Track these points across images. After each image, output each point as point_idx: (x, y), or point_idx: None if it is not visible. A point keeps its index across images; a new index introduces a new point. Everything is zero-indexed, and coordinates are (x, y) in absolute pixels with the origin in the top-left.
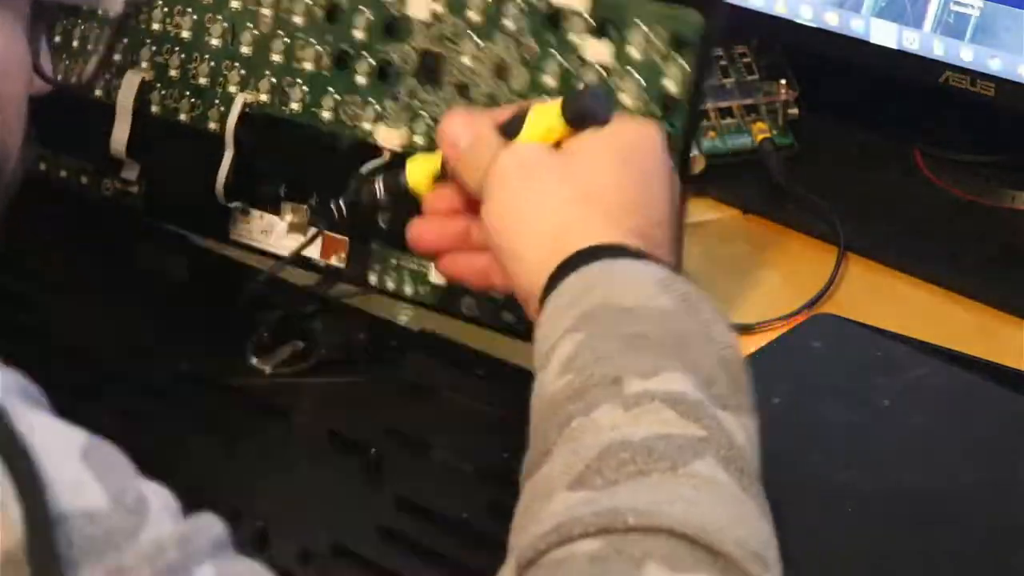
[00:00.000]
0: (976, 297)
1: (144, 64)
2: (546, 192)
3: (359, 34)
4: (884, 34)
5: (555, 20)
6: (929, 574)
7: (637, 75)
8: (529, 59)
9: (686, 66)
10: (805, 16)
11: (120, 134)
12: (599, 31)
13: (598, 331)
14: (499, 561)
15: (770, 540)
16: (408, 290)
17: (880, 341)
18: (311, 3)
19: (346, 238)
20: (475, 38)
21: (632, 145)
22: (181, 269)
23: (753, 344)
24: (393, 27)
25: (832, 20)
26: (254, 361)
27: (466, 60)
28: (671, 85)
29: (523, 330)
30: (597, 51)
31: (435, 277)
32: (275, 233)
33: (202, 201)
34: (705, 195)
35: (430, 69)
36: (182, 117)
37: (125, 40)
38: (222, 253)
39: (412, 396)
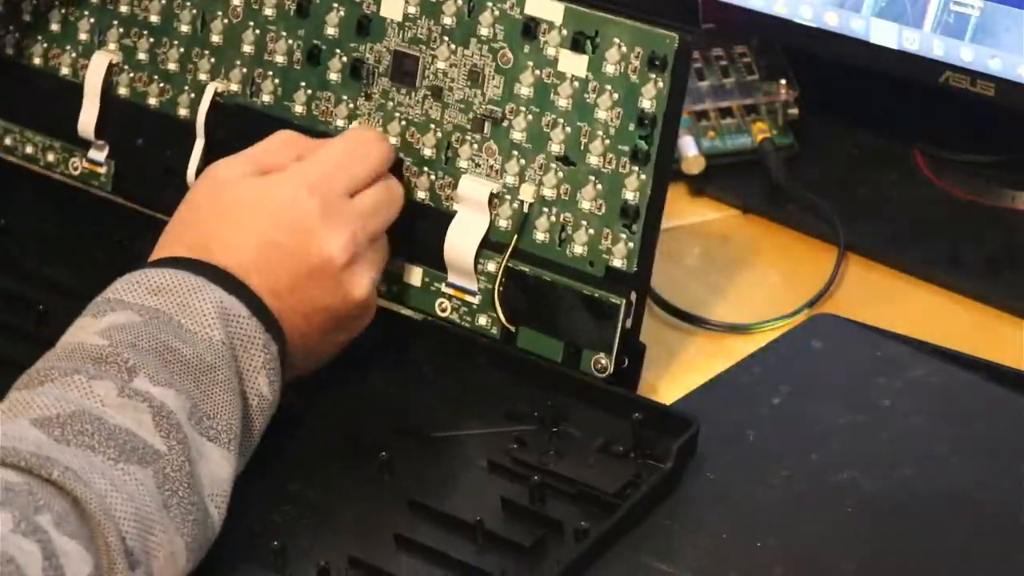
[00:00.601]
0: (976, 297)
1: (112, 46)
2: (186, 204)
3: (331, 30)
4: (884, 34)
5: (531, 31)
6: (929, 574)
7: (612, 90)
8: (504, 67)
9: (661, 84)
10: (805, 16)
11: (88, 115)
12: (574, 45)
13: (152, 327)
14: (514, 562)
15: (167, 549)
16: (382, 288)
17: (880, 341)
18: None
19: None
20: (450, 43)
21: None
22: None
23: (753, 344)
24: (365, 26)
25: (832, 20)
26: None
27: (441, 64)
28: (647, 103)
29: (498, 334)
30: (572, 64)
31: (410, 277)
32: None
33: (170, 187)
34: (705, 195)
35: (404, 71)
36: (151, 101)
37: (92, 19)
38: None
39: (418, 388)
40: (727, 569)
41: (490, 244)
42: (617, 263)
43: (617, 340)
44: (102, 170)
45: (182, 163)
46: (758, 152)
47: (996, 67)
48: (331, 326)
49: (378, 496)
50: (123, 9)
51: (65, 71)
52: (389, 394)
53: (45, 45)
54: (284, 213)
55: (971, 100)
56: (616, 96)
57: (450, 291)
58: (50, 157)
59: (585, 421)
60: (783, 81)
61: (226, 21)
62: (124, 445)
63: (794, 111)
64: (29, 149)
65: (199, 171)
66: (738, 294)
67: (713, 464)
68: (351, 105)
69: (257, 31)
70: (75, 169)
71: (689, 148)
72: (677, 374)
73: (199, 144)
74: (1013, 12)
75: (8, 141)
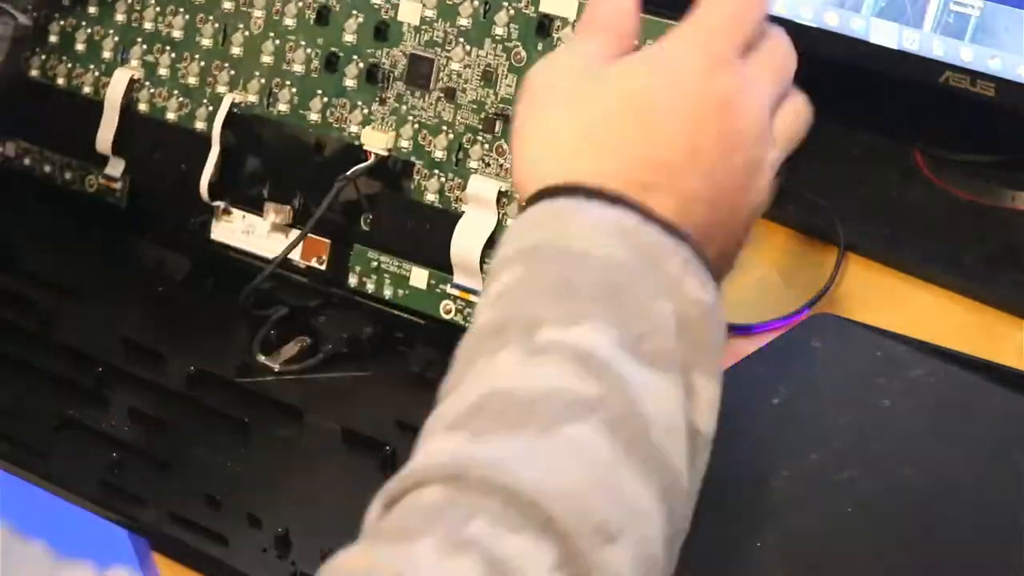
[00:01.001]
0: (976, 297)
1: (134, 62)
2: (553, 118)
3: (349, 37)
4: (884, 34)
5: (545, 28)
6: (929, 574)
7: None
8: (518, 66)
9: None
10: (805, 16)
11: (107, 131)
12: None
13: (535, 269)
14: None
15: (634, 512)
16: (387, 293)
17: (880, 341)
18: (302, 5)
19: (328, 240)
20: (465, 44)
21: (705, 97)
22: (181, 267)
23: (753, 344)
24: (383, 31)
25: (832, 20)
26: (261, 358)
27: (455, 66)
28: None
29: None
30: None
31: (415, 280)
32: (256, 233)
33: (185, 200)
34: None
35: (419, 73)
36: (170, 116)
37: (116, 38)
38: (221, 252)
39: (420, 387)
40: (727, 569)
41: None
42: None
43: None
44: (117, 185)
45: (197, 174)
46: None
47: (996, 67)
48: (741, 196)
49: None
50: (147, 26)
51: (87, 90)
52: (391, 393)
53: (70, 65)
54: (674, 91)
55: (971, 100)
56: None
57: (455, 292)
58: (67, 175)
59: None
60: None
61: (247, 33)
62: (549, 410)
63: None
64: (48, 168)
65: (212, 182)
66: (738, 294)
67: (713, 464)
68: (365, 111)
69: (277, 41)
70: (91, 186)
71: None
72: None
73: (214, 153)
74: (1013, 12)
75: (27, 161)
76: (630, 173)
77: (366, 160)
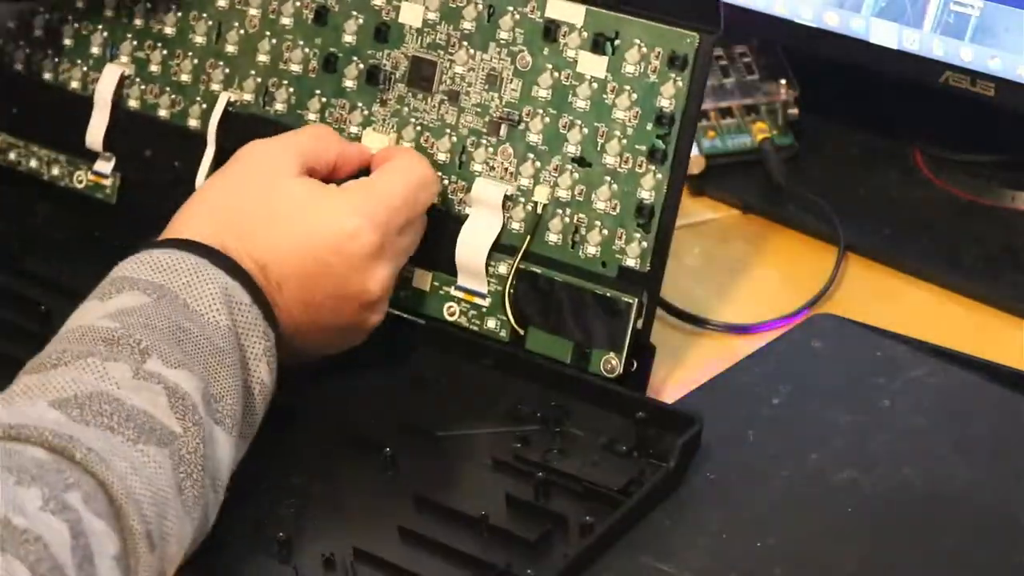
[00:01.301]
0: (976, 297)
1: (124, 58)
2: (218, 183)
3: (348, 38)
4: (884, 34)
5: (551, 33)
6: (929, 574)
7: (631, 90)
8: (523, 70)
9: (680, 83)
10: (805, 16)
11: (97, 127)
12: (594, 46)
13: (160, 307)
14: (519, 555)
15: (178, 533)
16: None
17: (880, 341)
18: (299, 5)
19: None
20: (468, 47)
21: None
22: None
23: (753, 344)
24: (383, 32)
25: (832, 20)
26: None
27: (459, 69)
28: (665, 101)
29: (507, 337)
30: (591, 65)
31: (418, 282)
32: None
33: (178, 197)
34: (705, 195)
35: (421, 76)
36: (162, 113)
37: (105, 33)
38: None
39: (421, 388)
40: (727, 569)
41: (502, 247)
42: (630, 263)
43: (628, 341)
44: (107, 182)
45: (190, 173)
46: (758, 152)
47: (996, 67)
48: (334, 335)
49: (382, 491)
50: (137, 22)
51: (75, 85)
52: (393, 394)
53: (56, 60)
54: (342, 242)
55: (971, 100)
56: (635, 96)
57: (460, 294)
58: (55, 171)
59: (588, 421)
60: (783, 81)
61: (242, 32)
62: (142, 426)
63: (794, 111)
64: (33, 163)
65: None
66: (738, 294)
67: (713, 464)
68: (365, 112)
69: (273, 40)
70: (79, 182)
71: None
72: (678, 374)
73: (209, 152)
74: (1013, 12)
75: (12, 156)
76: (262, 262)
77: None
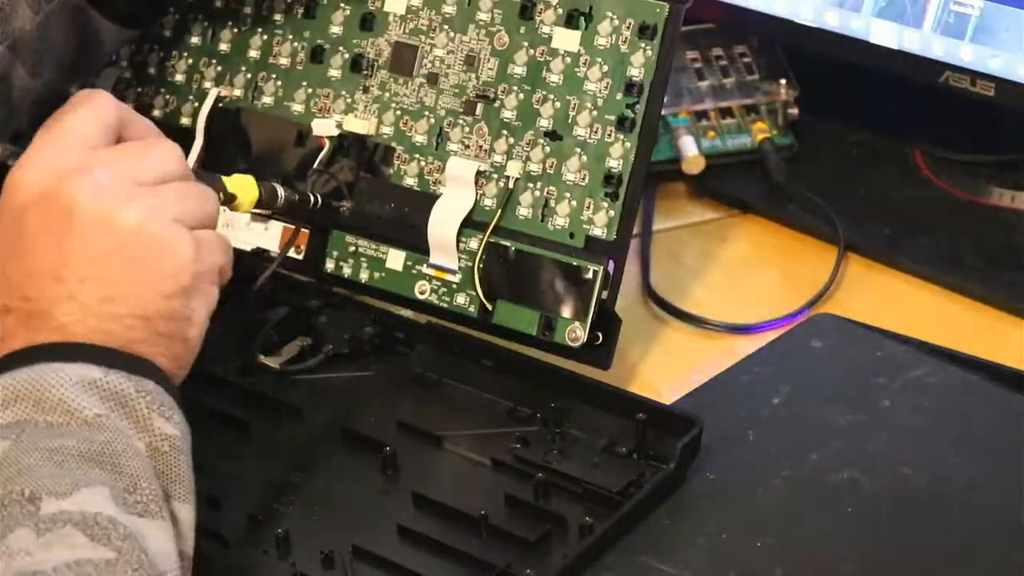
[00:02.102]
0: (976, 297)
1: (123, 63)
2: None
3: (335, 29)
4: (884, 34)
5: (527, 11)
6: (929, 574)
7: (603, 62)
8: (500, 49)
9: (650, 52)
10: (805, 16)
11: None
12: (568, 21)
13: (22, 444)
14: (519, 555)
15: None
16: (364, 277)
17: (880, 341)
18: (291, 0)
19: (307, 230)
20: (449, 31)
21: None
22: None
23: (753, 344)
24: (369, 21)
25: (832, 20)
26: (262, 359)
27: (439, 52)
28: (635, 71)
29: (475, 312)
30: (565, 40)
31: (392, 262)
32: (235, 227)
33: None
34: (705, 195)
35: (402, 61)
36: (156, 113)
37: None
38: None
39: (421, 388)
40: (727, 569)
41: (474, 223)
42: (597, 231)
43: (592, 309)
44: None
45: None
46: (758, 152)
47: (996, 67)
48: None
49: (382, 489)
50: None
51: (72, 89)
52: (393, 394)
53: None
54: (155, 260)
55: (971, 100)
56: (606, 67)
57: (431, 272)
58: None
59: (588, 422)
60: (783, 81)
61: (235, 30)
62: None
63: (794, 111)
64: None
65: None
66: (738, 294)
67: (713, 464)
68: (348, 100)
69: (264, 36)
70: None
71: (689, 148)
72: (677, 374)
73: (197, 144)
74: (1013, 12)
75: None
76: (84, 316)
77: (322, 149)
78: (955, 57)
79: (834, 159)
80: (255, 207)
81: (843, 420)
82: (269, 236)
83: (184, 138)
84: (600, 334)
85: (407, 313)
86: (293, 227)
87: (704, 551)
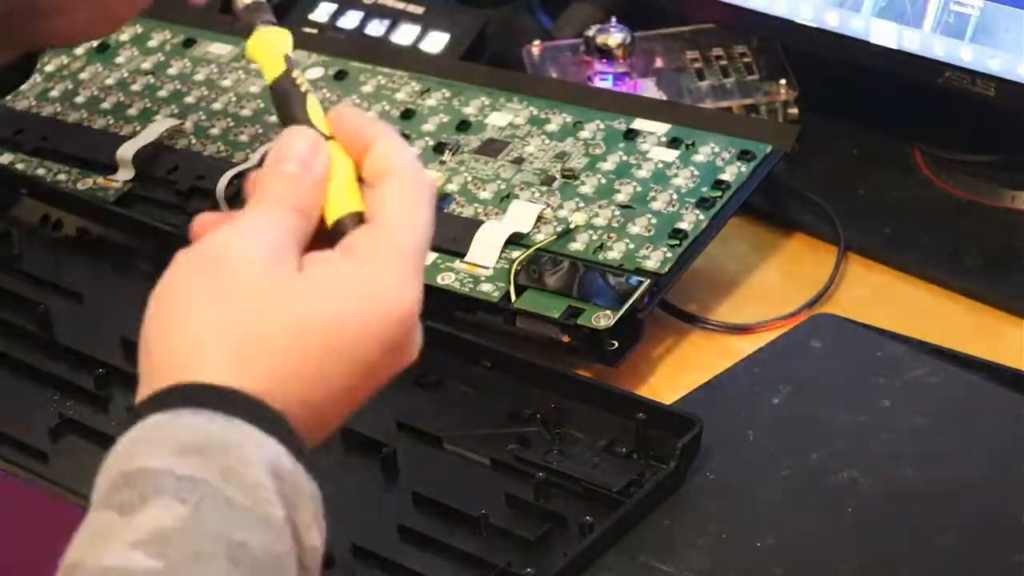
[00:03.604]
0: (976, 297)
1: (188, 124)
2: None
3: (428, 127)
4: (884, 34)
5: (631, 135)
6: (929, 574)
7: (695, 169)
8: (594, 154)
9: (744, 169)
10: (805, 16)
11: (131, 147)
12: (671, 143)
13: (205, 519)
14: (519, 555)
15: None
16: None
17: (880, 341)
18: (387, 107)
19: None
20: (546, 139)
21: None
22: None
23: (753, 344)
24: (467, 125)
25: (832, 20)
26: None
27: (530, 149)
28: (726, 175)
29: (497, 297)
30: (663, 154)
31: None
32: None
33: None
34: None
35: (490, 148)
36: (206, 152)
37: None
38: None
39: (420, 389)
40: (727, 569)
41: (522, 245)
42: (650, 265)
43: (626, 307)
44: (116, 185)
45: (205, 180)
46: None
47: (996, 67)
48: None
49: (382, 489)
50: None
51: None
52: (393, 394)
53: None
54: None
55: (971, 100)
56: (697, 173)
57: (463, 266)
58: (60, 176)
59: (588, 422)
60: (783, 81)
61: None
62: None
63: (794, 111)
64: (40, 171)
65: (229, 183)
66: (738, 294)
67: (713, 464)
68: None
69: None
70: (83, 185)
71: None
72: (677, 374)
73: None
74: (1013, 12)
75: (20, 166)
76: (288, 394)
77: None
78: (955, 57)
79: (834, 159)
80: None
81: (843, 420)
82: None
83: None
84: (617, 343)
85: None
86: None
87: (704, 551)
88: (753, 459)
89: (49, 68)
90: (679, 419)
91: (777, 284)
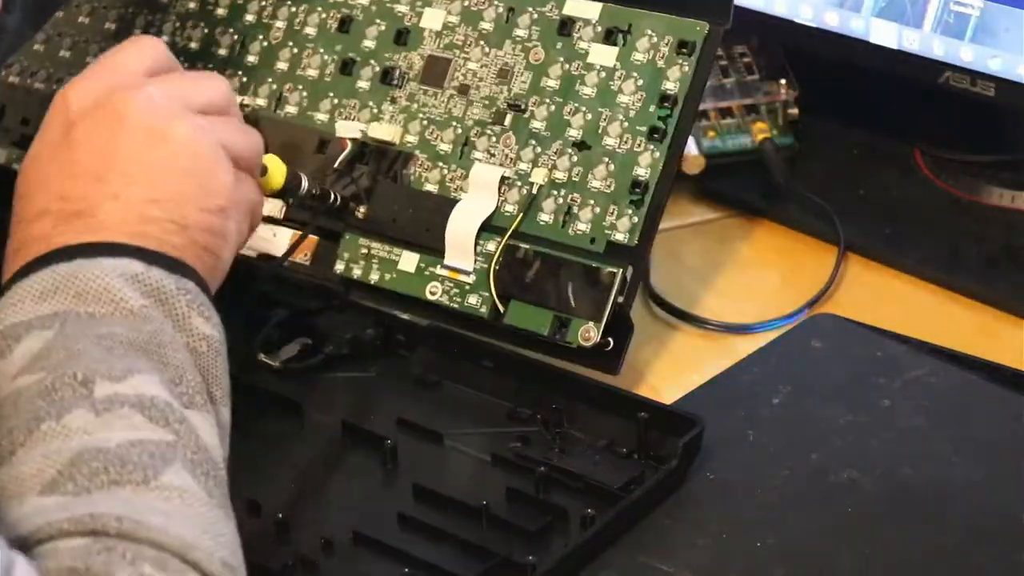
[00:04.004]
0: (976, 297)
1: None
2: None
3: (368, 43)
4: (884, 34)
5: (565, 28)
6: (929, 574)
7: (638, 76)
8: (534, 63)
9: (687, 68)
10: (805, 16)
11: None
12: (606, 37)
13: (69, 331)
14: (520, 545)
15: (235, 544)
16: (374, 278)
17: (880, 341)
18: (325, 16)
19: (315, 238)
20: (484, 46)
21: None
22: None
23: (753, 344)
24: (403, 36)
25: (832, 20)
26: (262, 358)
27: (472, 65)
28: (670, 84)
29: (487, 313)
30: (602, 55)
31: (405, 264)
32: None
33: None
34: (705, 195)
35: (434, 73)
36: None
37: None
38: None
39: (422, 389)
40: (727, 569)
41: (493, 228)
42: (619, 237)
43: (608, 312)
44: None
45: None
46: (758, 152)
47: (996, 67)
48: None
49: (383, 480)
50: (164, 39)
51: None
52: (391, 395)
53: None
54: (198, 175)
55: (971, 100)
56: (641, 81)
57: (445, 272)
58: None
59: (589, 422)
60: (783, 81)
61: (265, 43)
62: (140, 460)
63: (794, 111)
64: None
65: None
66: (738, 294)
67: (713, 464)
68: (375, 110)
69: (295, 50)
70: None
71: (689, 148)
72: (677, 374)
73: None
74: (1013, 12)
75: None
76: (126, 216)
77: (344, 150)
78: (955, 57)
79: (834, 159)
80: (279, 190)
81: (843, 420)
82: (276, 243)
83: None
84: (612, 339)
85: (406, 315)
86: (300, 232)
87: (704, 551)
88: (753, 459)
89: (65, 54)
90: (680, 419)
91: (777, 284)
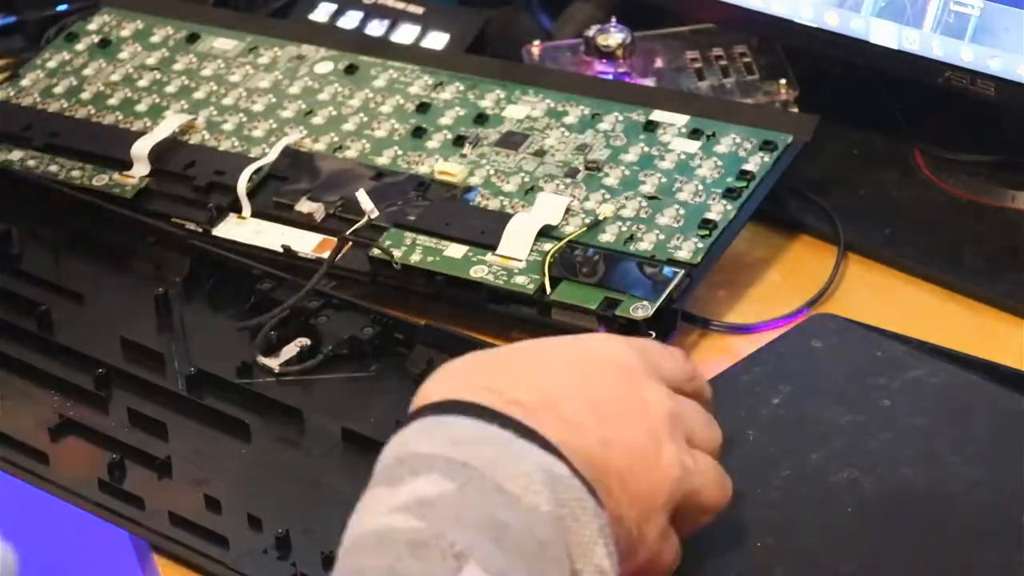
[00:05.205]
0: (976, 297)
1: (200, 120)
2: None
3: (445, 120)
4: (884, 34)
5: (651, 126)
6: (929, 574)
7: (718, 160)
8: (616, 145)
9: (767, 159)
10: (805, 16)
11: (147, 143)
12: (691, 134)
13: (465, 493)
14: None
15: None
16: (415, 259)
17: (880, 341)
18: (401, 101)
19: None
20: (565, 131)
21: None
22: (181, 267)
23: (753, 344)
24: (484, 119)
25: (832, 20)
26: (261, 359)
27: (550, 141)
28: (750, 165)
29: (532, 290)
30: (684, 146)
31: (451, 252)
32: (267, 235)
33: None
34: None
35: (510, 141)
36: (223, 146)
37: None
38: (221, 252)
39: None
40: (727, 569)
41: (552, 237)
42: (682, 255)
43: (663, 298)
44: (132, 181)
45: (225, 177)
46: None
47: (996, 67)
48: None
49: None
50: (227, 102)
51: (137, 127)
52: (391, 395)
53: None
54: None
55: (971, 100)
56: (720, 164)
57: (495, 259)
58: (74, 173)
59: None
60: (783, 81)
61: (334, 112)
62: None
63: (794, 111)
64: (53, 168)
65: (250, 179)
66: (738, 294)
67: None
68: (441, 160)
69: (365, 119)
70: (99, 181)
71: None
72: None
73: (259, 163)
74: (1013, 12)
75: (31, 163)
76: (578, 444)
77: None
78: (955, 57)
79: (834, 159)
80: None
81: (843, 420)
82: (300, 238)
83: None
84: (653, 333)
85: (407, 318)
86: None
87: (704, 551)
88: (753, 459)
89: (51, 64)
90: None
91: (777, 284)
